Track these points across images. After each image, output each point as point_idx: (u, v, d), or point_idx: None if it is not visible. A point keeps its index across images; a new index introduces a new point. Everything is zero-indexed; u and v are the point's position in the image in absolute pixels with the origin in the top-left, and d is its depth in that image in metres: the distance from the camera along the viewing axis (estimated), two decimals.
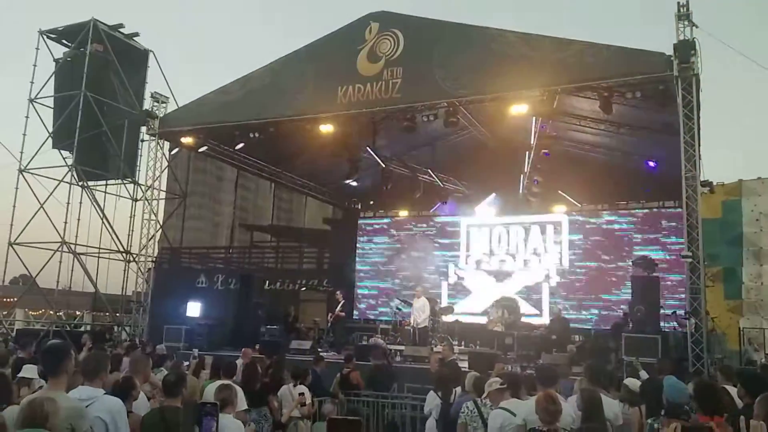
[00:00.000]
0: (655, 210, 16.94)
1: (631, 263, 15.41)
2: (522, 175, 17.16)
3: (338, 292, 16.24)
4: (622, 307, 14.99)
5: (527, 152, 16.13)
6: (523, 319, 15.25)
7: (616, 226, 17.24)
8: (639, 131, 14.52)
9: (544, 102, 12.88)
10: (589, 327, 16.26)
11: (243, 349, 11.23)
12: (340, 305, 15.79)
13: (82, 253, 16.39)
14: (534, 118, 14.22)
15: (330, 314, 15.85)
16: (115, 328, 18.29)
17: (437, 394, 7.22)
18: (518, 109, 13.00)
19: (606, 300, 16.74)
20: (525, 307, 16.60)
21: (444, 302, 18.04)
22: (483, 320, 15.36)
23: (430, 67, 12.95)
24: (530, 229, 18.16)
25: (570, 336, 14.09)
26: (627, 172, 16.47)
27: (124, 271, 17.88)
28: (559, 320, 14.26)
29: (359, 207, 21.75)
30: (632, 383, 6.43)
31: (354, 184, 18.13)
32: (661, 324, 12.30)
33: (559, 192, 17.67)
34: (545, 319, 15.74)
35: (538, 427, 4.39)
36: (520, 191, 17.67)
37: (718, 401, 4.51)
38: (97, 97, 15.81)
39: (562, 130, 15.77)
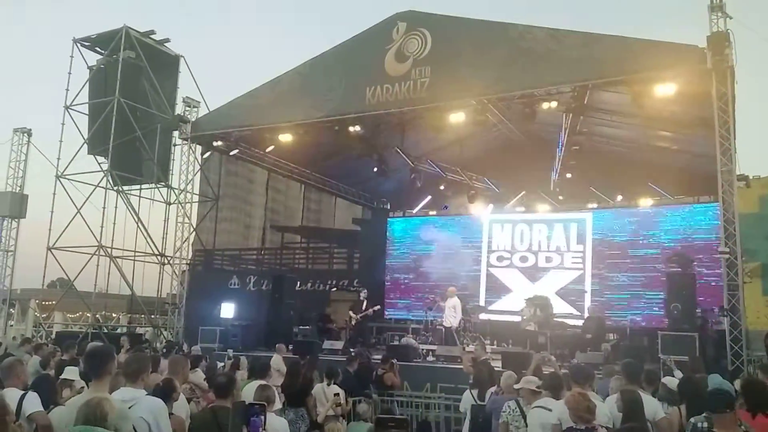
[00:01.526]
0: (690, 204, 16.63)
1: (665, 260, 15.15)
2: (552, 172, 17.00)
3: (362, 293, 16.27)
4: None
5: (557, 149, 15.98)
6: (557, 318, 15.10)
7: (649, 222, 16.95)
8: (672, 125, 14.28)
9: (575, 98, 12.76)
10: (625, 325, 16.01)
11: (277, 345, 11.39)
12: (364, 304, 15.79)
13: (119, 257, 16.67)
14: (564, 114, 14.09)
15: (351, 313, 15.83)
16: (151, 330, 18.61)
17: (472, 393, 7.22)
18: (548, 105, 12.89)
19: (641, 298, 16.47)
20: (561, 306, 16.44)
21: (482, 301, 17.97)
22: (516, 319, 15.25)
23: (458, 65, 12.92)
24: (554, 226, 17.98)
25: (605, 334, 13.90)
26: (660, 168, 16.20)
27: (159, 273, 18.16)
28: (593, 319, 14.08)
29: (388, 207, 21.78)
30: (670, 382, 6.34)
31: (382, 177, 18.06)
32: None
33: (591, 188, 17.47)
34: (581, 318, 15.52)
35: (575, 426, 4.37)
36: (551, 188, 17.51)
37: (765, 398, 4.45)
38: (131, 102, 16.05)
39: (593, 125, 15.58)
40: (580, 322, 14.64)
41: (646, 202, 17.12)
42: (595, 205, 17.60)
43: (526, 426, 5.57)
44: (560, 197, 17.52)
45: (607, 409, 5.18)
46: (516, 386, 5.88)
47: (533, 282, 17.71)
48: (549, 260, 17.92)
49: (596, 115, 14.83)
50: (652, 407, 5.34)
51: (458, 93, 13.21)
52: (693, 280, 12.41)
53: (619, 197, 17.61)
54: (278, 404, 5.49)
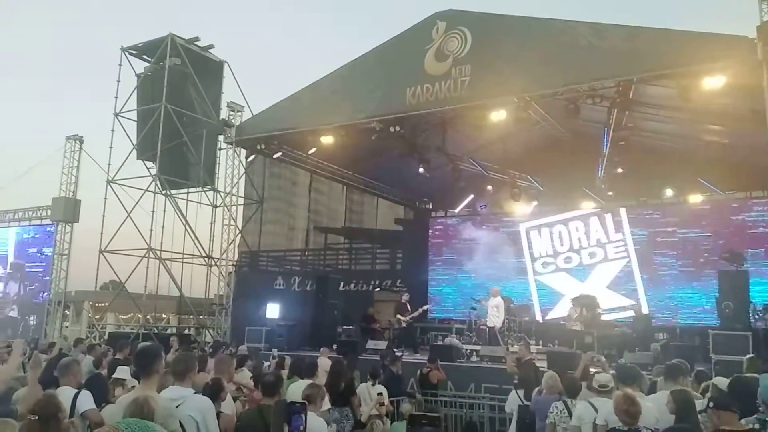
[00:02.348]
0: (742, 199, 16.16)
1: (717, 257, 14.75)
2: (597, 168, 16.69)
3: (404, 296, 16.28)
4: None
5: (602, 145, 15.67)
6: (604, 317, 14.83)
7: (699, 217, 16.50)
8: (722, 119, 13.85)
9: (619, 93, 12.49)
10: (674, 324, 15.62)
11: (321, 348, 11.51)
12: (408, 308, 15.80)
13: (167, 259, 17.05)
14: (608, 109, 13.81)
15: (399, 316, 15.84)
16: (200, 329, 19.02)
17: (518, 393, 7.18)
18: (592, 101, 12.67)
19: (691, 295, 16.04)
20: (614, 299, 16.20)
21: (538, 313, 17.83)
22: (562, 317, 15.06)
23: (499, 63, 12.80)
24: (589, 221, 17.70)
25: (653, 334, 13.60)
26: (710, 162, 15.74)
27: (207, 275, 18.51)
28: (641, 318, 13.80)
29: (430, 206, 21.74)
30: (721, 382, 6.16)
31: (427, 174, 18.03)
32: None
33: (638, 184, 17.08)
34: (634, 308, 15.21)
35: (619, 427, 4.30)
36: (597, 185, 17.19)
37: None
38: (177, 108, 16.39)
39: (639, 120, 15.22)
40: (632, 313, 14.42)
41: (695, 198, 16.67)
42: (643, 200, 17.25)
43: (571, 423, 5.52)
44: (609, 194, 17.18)
45: (654, 410, 5.08)
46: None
47: (583, 281, 17.49)
48: (593, 255, 17.68)
49: (642, 110, 14.48)
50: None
51: (499, 91, 13.08)
52: (746, 277, 12.02)
53: (668, 192, 17.19)
54: (325, 405, 5.52)
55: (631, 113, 14.28)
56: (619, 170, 16.03)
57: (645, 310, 15.45)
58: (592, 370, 7.60)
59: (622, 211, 17.34)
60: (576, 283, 17.52)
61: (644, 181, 16.98)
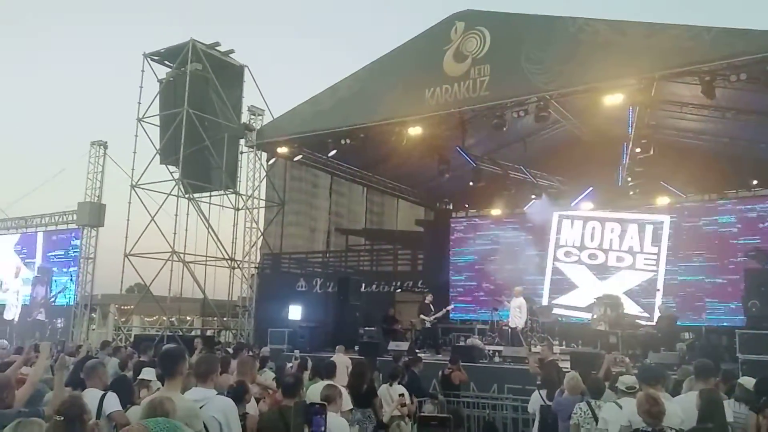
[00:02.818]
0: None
1: (744, 256, 14.52)
2: (620, 168, 16.51)
3: (427, 298, 16.27)
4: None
5: (625, 143, 15.51)
6: (628, 317, 14.67)
7: (724, 218, 16.24)
8: (746, 115, 13.64)
9: (641, 90, 12.36)
10: (701, 324, 15.40)
11: (337, 347, 11.60)
12: (431, 307, 15.78)
13: (191, 262, 17.25)
14: (631, 107, 13.67)
15: (423, 316, 15.84)
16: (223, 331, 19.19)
17: (541, 394, 7.15)
18: (613, 99, 12.54)
19: (718, 295, 15.80)
20: (629, 307, 15.99)
21: (545, 300, 17.70)
22: (585, 318, 14.93)
23: (519, 62, 12.75)
24: (627, 227, 17.46)
25: (678, 334, 13.42)
26: (735, 159, 15.50)
27: (230, 277, 18.68)
28: (666, 317, 13.62)
29: (451, 207, 21.70)
30: (747, 382, 6.08)
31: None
32: None
33: (661, 183, 16.88)
34: (650, 320, 15.02)
35: (642, 428, 4.27)
36: (619, 184, 17.01)
37: None
38: (199, 113, 16.58)
39: (662, 118, 15.06)
40: (650, 323, 14.21)
41: (722, 197, 16.42)
42: (666, 201, 17.01)
43: (598, 427, 5.48)
44: (631, 193, 16.99)
45: (679, 411, 5.02)
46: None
47: (601, 280, 17.30)
48: (620, 260, 17.48)
49: (665, 108, 14.34)
50: (731, 408, 5.14)
51: (519, 90, 13.04)
52: None
53: (693, 192, 16.95)
54: (346, 405, 5.53)
55: (654, 111, 14.14)
56: (642, 169, 15.84)
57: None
58: (615, 370, 7.55)
59: (666, 222, 17.00)
60: (594, 280, 17.39)
61: (669, 180, 16.75)
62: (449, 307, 16.03)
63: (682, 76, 11.84)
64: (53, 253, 21.60)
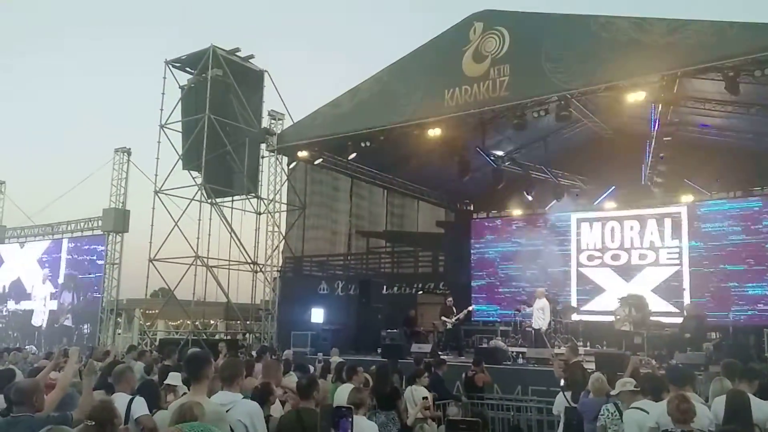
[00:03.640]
0: None
1: None
2: (643, 166, 16.34)
3: (449, 299, 16.23)
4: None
5: (648, 141, 15.34)
6: (653, 317, 14.47)
7: (751, 213, 15.95)
8: None
9: (664, 87, 12.22)
10: (727, 323, 15.14)
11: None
12: (453, 309, 15.73)
13: (214, 266, 17.35)
14: (653, 105, 13.52)
15: (444, 318, 15.80)
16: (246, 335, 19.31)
17: (566, 395, 7.09)
18: (635, 97, 12.41)
19: (744, 293, 15.51)
20: (658, 304, 15.78)
21: (573, 303, 17.53)
22: (609, 319, 14.75)
23: (539, 61, 12.68)
24: (646, 222, 17.23)
25: (705, 334, 13.20)
26: (760, 155, 15.24)
27: (252, 281, 18.77)
28: (693, 317, 13.41)
29: (471, 208, 21.62)
30: None
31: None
32: None
33: (686, 180, 16.66)
34: (680, 316, 14.77)
35: (671, 429, 4.21)
36: (642, 182, 16.82)
37: None
38: (220, 118, 16.68)
39: (686, 115, 14.87)
40: (678, 320, 13.97)
41: (746, 193, 16.15)
42: (690, 198, 16.77)
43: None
44: (654, 190, 16.78)
45: (709, 412, 4.95)
46: (613, 392, 5.70)
47: (627, 280, 17.09)
48: (643, 257, 17.24)
49: (689, 104, 14.14)
50: (763, 409, 5.02)
51: (539, 90, 12.97)
52: None
53: (718, 189, 16.69)
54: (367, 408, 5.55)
55: (677, 108, 13.96)
56: (664, 168, 15.67)
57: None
58: (642, 371, 7.45)
59: (683, 212, 16.76)
60: (620, 282, 17.15)
61: (693, 177, 16.54)
62: (470, 308, 15.95)
63: (706, 72, 11.68)
64: (79, 260, 21.92)
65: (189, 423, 2.90)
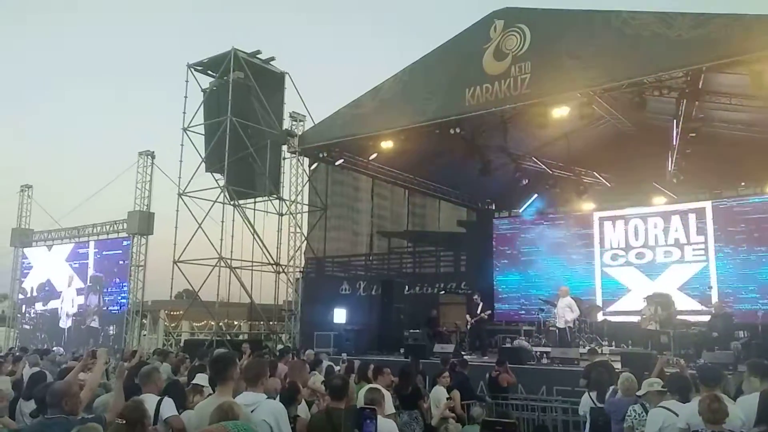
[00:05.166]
0: None
1: None
2: (668, 162, 16.12)
3: (476, 296, 16.16)
4: None
5: (672, 138, 15.14)
6: (680, 316, 14.26)
7: None
8: None
9: (688, 83, 12.05)
10: (756, 321, 14.84)
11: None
12: (479, 307, 15.68)
13: (237, 267, 17.47)
14: (677, 100, 13.33)
15: (468, 316, 15.76)
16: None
17: (591, 395, 7.02)
18: (658, 92, 12.25)
19: None
20: (685, 302, 15.55)
21: (599, 301, 17.35)
22: (635, 318, 14.57)
23: (560, 58, 12.58)
24: (670, 219, 16.99)
25: (733, 332, 12.97)
26: None
27: (275, 281, 18.87)
28: (720, 315, 13.19)
29: (493, 207, 21.51)
30: None
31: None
32: None
33: (712, 177, 16.39)
34: (708, 314, 14.52)
35: (702, 429, 4.14)
36: (667, 178, 16.60)
37: None
38: (242, 121, 16.82)
39: (711, 110, 14.61)
40: (706, 318, 13.75)
41: None
42: (716, 195, 16.50)
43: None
44: (680, 187, 16.54)
45: (740, 413, 4.85)
46: (639, 392, 5.62)
47: (653, 279, 16.86)
48: (668, 255, 17.00)
49: (714, 99, 13.91)
50: None
51: (561, 87, 12.85)
52: None
53: (743, 184, 16.41)
54: (389, 409, 5.53)
55: (702, 103, 13.75)
56: (689, 164, 15.43)
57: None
58: (668, 371, 7.35)
59: (708, 208, 16.50)
60: (646, 280, 16.92)
61: (719, 173, 16.27)
62: (487, 312, 15.79)
63: (732, 66, 11.49)
64: (105, 262, 22.23)
65: (233, 422, 2.94)
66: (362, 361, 9.71)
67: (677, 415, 4.91)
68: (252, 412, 4.14)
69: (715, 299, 15.08)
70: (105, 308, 21.79)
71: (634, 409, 5.67)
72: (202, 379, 6.08)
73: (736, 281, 15.75)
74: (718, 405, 4.20)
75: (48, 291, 24.12)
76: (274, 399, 4.72)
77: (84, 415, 4.24)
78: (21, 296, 25.15)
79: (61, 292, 23.56)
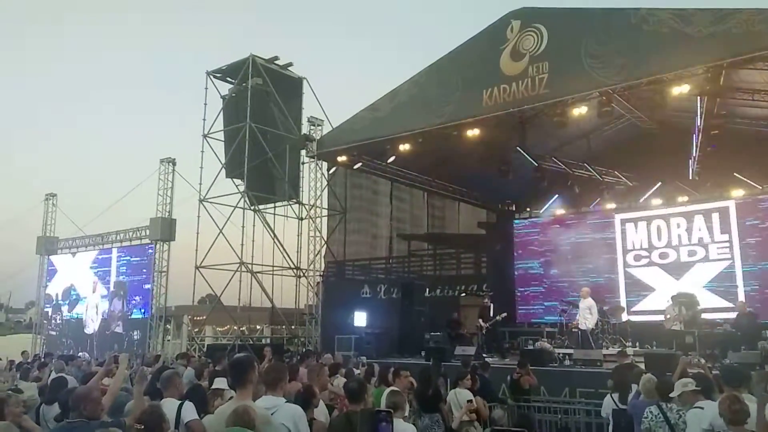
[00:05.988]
0: None
1: None
2: (690, 160, 15.89)
3: (486, 299, 16.03)
4: None
5: (694, 135, 14.93)
6: (705, 315, 14.04)
7: None
8: None
9: (710, 79, 11.88)
10: None
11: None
12: (491, 310, 15.54)
13: (258, 272, 17.58)
14: (699, 97, 13.15)
15: (481, 320, 15.60)
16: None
17: (613, 397, 6.94)
18: (679, 90, 12.09)
19: None
20: (712, 300, 15.31)
21: (623, 302, 17.15)
22: (659, 319, 14.37)
23: (578, 57, 12.49)
24: (693, 218, 16.73)
25: (760, 332, 12.73)
26: None
27: (296, 286, 18.94)
28: (745, 315, 12.97)
29: (513, 208, 21.39)
30: None
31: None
32: None
33: (735, 175, 16.14)
34: (735, 311, 14.27)
35: (725, 431, 4.07)
36: (690, 177, 16.37)
37: None
38: (261, 126, 16.92)
39: (733, 106, 14.41)
40: (733, 315, 13.53)
41: None
42: (741, 194, 16.23)
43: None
44: (702, 185, 16.30)
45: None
46: (672, 394, 5.53)
47: (677, 278, 16.63)
48: (692, 254, 16.75)
49: (736, 95, 13.70)
50: None
51: (579, 86, 12.76)
52: None
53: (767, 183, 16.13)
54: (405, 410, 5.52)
55: (723, 100, 13.56)
56: (712, 162, 15.20)
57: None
58: (692, 372, 7.24)
59: (731, 207, 16.23)
60: (670, 280, 16.69)
61: (742, 171, 16.02)
62: (502, 315, 15.66)
63: (754, 61, 11.32)
64: (128, 268, 22.51)
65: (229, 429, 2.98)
66: (383, 364, 9.69)
67: (704, 410, 4.85)
68: (271, 415, 4.16)
69: (741, 298, 14.84)
70: (129, 313, 22.05)
71: (650, 411, 5.58)
72: (220, 383, 6.11)
73: (761, 280, 15.46)
74: (739, 406, 4.13)
75: (73, 297, 24.49)
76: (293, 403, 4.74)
77: (106, 419, 4.30)
78: (47, 304, 25.57)
79: (85, 297, 23.91)
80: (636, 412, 5.93)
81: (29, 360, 14.04)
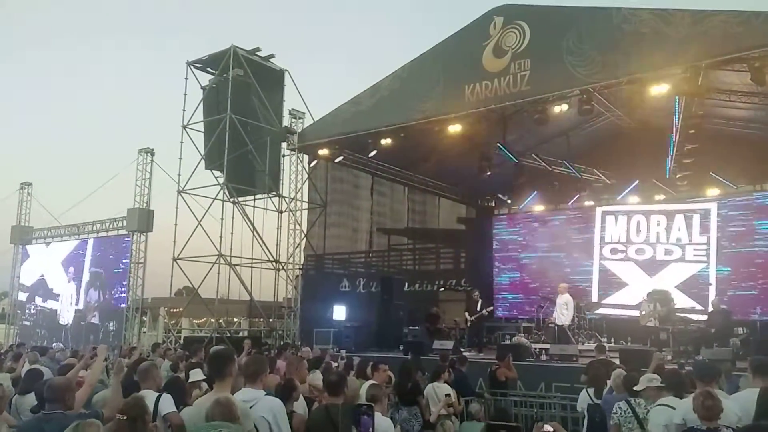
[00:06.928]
0: None
1: None
2: (668, 159, 16.11)
3: (476, 293, 16.15)
4: None
5: (672, 134, 15.13)
6: (679, 312, 14.28)
7: None
8: None
9: (688, 79, 12.02)
10: (754, 319, 14.87)
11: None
12: (479, 304, 15.66)
13: (237, 264, 17.47)
14: (677, 97, 13.32)
15: (467, 314, 15.74)
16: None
17: (588, 392, 7.04)
18: (658, 89, 12.23)
19: None
20: (682, 300, 15.56)
21: (594, 297, 17.37)
22: (634, 314, 14.58)
23: (560, 55, 12.58)
24: (674, 218, 16.97)
25: (732, 329, 12.99)
26: None
27: (275, 279, 18.88)
28: (718, 312, 13.21)
29: (493, 204, 21.52)
30: None
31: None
32: None
33: (711, 174, 16.40)
34: (704, 312, 14.56)
35: (697, 426, 4.16)
36: (667, 176, 16.60)
37: None
38: (241, 118, 16.78)
39: (711, 107, 14.62)
40: (702, 318, 13.78)
41: None
42: (717, 192, 16.49)
43: (640, 427, 5.36)
44: (679, 184, 16.54)
45: (736, 409, 4.87)
46: (637, 388, 5.64)
47: (651, 275, 16.88)
48: (669, 253, 17.01)
49: (713, 96, 13.91)
50: None
51: (561, 84, 12.86)
52: None
53: (744, 182, 16.40)
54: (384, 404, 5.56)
55: (701, 100, 13.73)
56: (690, 160, 15.41)
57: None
58: (667, 367, 7.37)
59: (713, 209, 16.47)
60: (643, 276, 16.95)
61: (719, 171, 16.27)
62: (488, 309, 15.80)
63: (731, 63, 11.49)
64: (104, 258, 22.24)
65: (210, 423, 2.96)
66: (362, 358, 9.71)
67: (674, 409, 4.93)
68: (250, 408, 4.15)
69: (712, 297, 15.10)
70: (113, 303, 21.75)
71: (619, 407, 5.66)
72: (196, 374, 6.08)
73: (735, 282, 15.73)
74: (711, 402, 4.21)
75: (46, 287, 24.16)
76: (273, 395, 4.73)
77: (83, 411, 4.26)
78: (21, 294, 25.19)
79: (59, 288, 23.59)
80: (608, 407, 6.02)
81: (2, 351, 13.83)
